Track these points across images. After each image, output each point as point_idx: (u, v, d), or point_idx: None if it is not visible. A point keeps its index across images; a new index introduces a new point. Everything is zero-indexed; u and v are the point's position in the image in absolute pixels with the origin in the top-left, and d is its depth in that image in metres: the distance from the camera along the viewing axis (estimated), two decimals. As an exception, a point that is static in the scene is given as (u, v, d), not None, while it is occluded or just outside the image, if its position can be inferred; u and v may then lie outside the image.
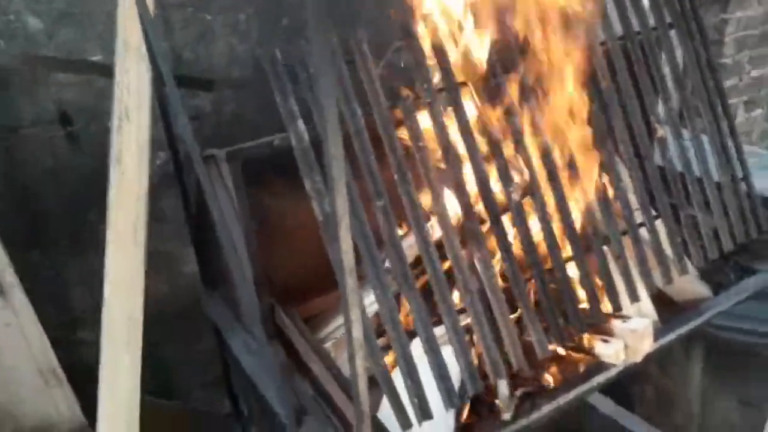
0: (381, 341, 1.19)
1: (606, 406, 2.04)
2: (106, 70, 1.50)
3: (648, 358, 1.29)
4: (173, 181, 1.59)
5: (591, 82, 1.27)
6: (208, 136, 1.76)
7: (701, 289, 1.46)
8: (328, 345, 1.33)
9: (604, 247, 1.25)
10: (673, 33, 1.43)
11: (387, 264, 1.14)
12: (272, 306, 1.32)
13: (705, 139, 1.43)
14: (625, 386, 1.96)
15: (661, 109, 1.40)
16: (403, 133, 1.16)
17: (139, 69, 1.44)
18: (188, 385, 1.90)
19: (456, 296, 1.19)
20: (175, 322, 1.80)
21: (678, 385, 1.83)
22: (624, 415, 2.03)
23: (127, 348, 1.31)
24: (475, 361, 1.16)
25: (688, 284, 1.45)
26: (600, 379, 1.23)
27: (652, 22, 1.40)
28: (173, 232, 1.76)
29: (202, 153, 1.27)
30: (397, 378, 1.09)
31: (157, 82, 1.42)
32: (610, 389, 1.98)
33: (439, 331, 1.15)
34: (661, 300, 1.46)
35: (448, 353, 1.14)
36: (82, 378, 1.45)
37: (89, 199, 1.64)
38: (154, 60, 1.39)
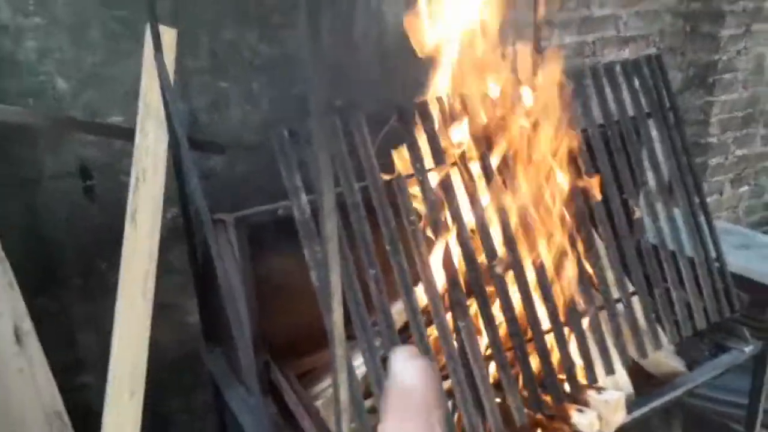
0: (368, 402, 1.26)
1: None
2: (126, 133, 1.61)
3: (623, 429, 1.35)
4: (181, 236, 1.69)
5: (572, 166, 1.38)
6: (218, 195, 1.86)
7: (676, 364, 1.53)
8: (319, 403, 1.39)
9: (582, 321, 1.33)
10: (651, 121, 1.55)
11: (377, 327, 1.22)
12: (268, 363, 1.40)
13: (679, 218, 1.53)
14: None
15: (638, 190, 1.50)
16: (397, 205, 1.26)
17: (157, 132, 1.56)
18: (186, 435, 1.95)
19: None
20: (177, 372, 1.86)
21: (659, 455, 1.87)
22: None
23: (131, 397, 1.38)
24: (457, 427, 1.23)
25: (664, 359, 1.52)
26: (575, 447, 1.29)
27: (630, 111, 1.52)
28: (179, 283, 1.84)
29: (212, 215, 1.37)
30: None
31: (173, 144, 1.53)
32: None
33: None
34: (639, 373, 1.53)
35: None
36: (85, 422, 1.51)
37: (101, 250, 1.73)
38: (171, 123, 1.50)
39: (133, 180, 1.51)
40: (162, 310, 1.80)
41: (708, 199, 2.78)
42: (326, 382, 1.46)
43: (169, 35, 1.54)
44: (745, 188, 2.93)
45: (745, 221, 2.96)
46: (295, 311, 1.45)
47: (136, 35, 1.58)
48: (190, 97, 1.82)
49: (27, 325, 1.31)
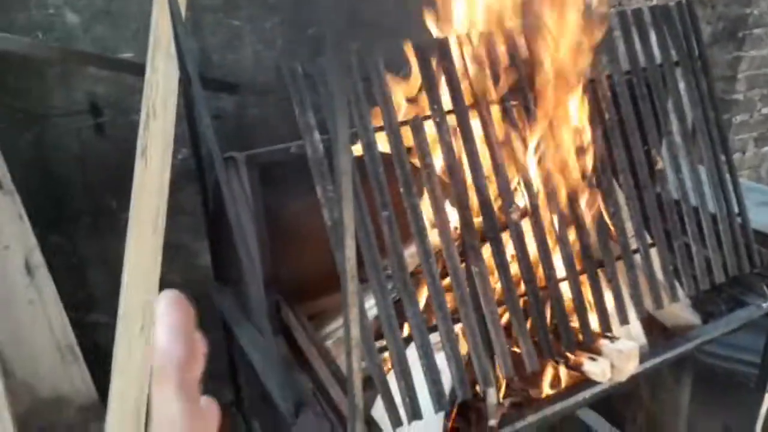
0: (379, 343, 1.25)
1: (598, 424, 2.10)
2: (137, 68, 1.58)
3: (636, 380, 1.34)
4: (193, 177, 1.67)
5: (596, 113, 1.34)
6: (229, 137, 1.84)
7: (691, 318, 1.51)
8: (329, 343, 1.39)
9: (598, 270, 1.31)
10: (678, 70, 1.49)
11: (389, 271, 1.21)
12: (279, 303, 1.39)
13: (703, 172, 1.48)
14: (618, 409, 2.01)
15: (662, 141, 1.45)
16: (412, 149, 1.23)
17: (168, 68, 1.52)
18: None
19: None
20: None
21: (667, 410, 1.88)
22: (614, 435, 2.08)
23: (141, 331, 1.38)
24: (466, 367, 1.22)
25: (679, 312, 1.50)
26: (585, 395, 1.28)
27: (659, 58, 1.46)
28: (189, 225, 1.84)
29: (223, 154, 1.34)
30: (392, 379, 1.16)
31: (184, 81, 1.50)
32: (604, 410, 2.04)
33: (434, 337, 1.22)
34: (652, 325, 1.51)
35: (441, 359, 1.20)
36: (96, 357, 1.52)
37: (112, 187, 1.72)
38: (183, 60, 1.47)
39: (143, 116, 1.48)
40: (172, 251, 1.80)
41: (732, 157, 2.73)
42: (337, 323, 1.46)
43: (181, -32, 1.49)
44: (768, 148, 2.86)
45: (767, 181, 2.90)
46: (307, 253, 1.44)
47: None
48: (202, 35, 1.77)
49: (37, 258, 1.31)
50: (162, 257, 1.54)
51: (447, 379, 1.20)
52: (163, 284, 1.54)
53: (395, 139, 1.20)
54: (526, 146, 1.29)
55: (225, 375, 1.78)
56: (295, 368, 1.29)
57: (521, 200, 1.31)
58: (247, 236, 1.29)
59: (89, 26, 1.64)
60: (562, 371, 1.35)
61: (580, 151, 1.32)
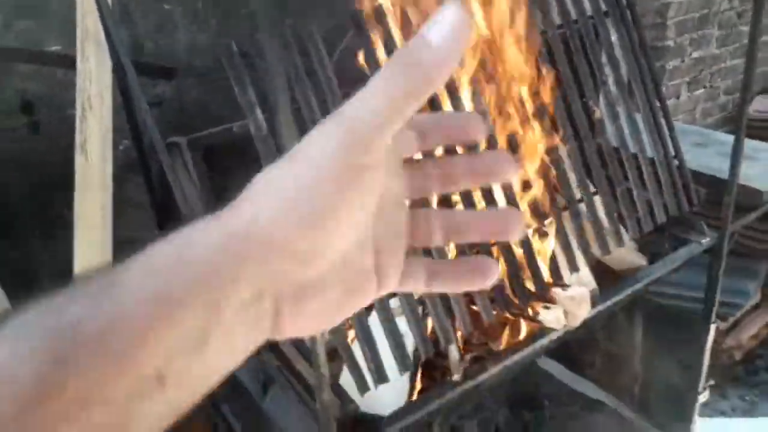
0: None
1: (559, 371, 2.19)
2: (67, 61, 1.53)
3: (590, 324, 1.40)
4: (137, 168, 1.64)
5: (533, 68, 1.36)
6: (171, 123, 1.80)
7: (638, 260, 1.57)
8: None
9: (545, 221, 1.35)
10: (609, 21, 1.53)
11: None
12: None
13: (639, 118, 1.54)
14: (577, 355, 2.10)
15: (599, 92, 1.50)
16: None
17: (99, 58, 1.48)
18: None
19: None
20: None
21: (623, 351, 1.97)
22: (575, 379, 2.17)
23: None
24: (428, 329, 1.25)
25: (626, 255, 1.56)
26: (543, 342, 1.33)
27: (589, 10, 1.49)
28: (140, 217, 1.81)
29: (165, 140, 1.32)
30: (357, 348, 1.18)
31: (118, 70, 1.46)
32: (563, 358, 2.12)
33: (395, 303, 1.24)
34: (602, 270, 1.57)
35: (403, 323, 1.23)
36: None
37: (55, 187, 1.67)
38: (114, 48, 1.43)
39: (78, 109, 1.44)
40: (125, 246, 1.77)
41: (667, 103, 2.82)
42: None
43: (102, -48, 1.44)
44: (701, 91, 2.96)
45: (702, 124, 3.01)
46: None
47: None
48: (132, 21, 1.72)
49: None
50: (113, 254, 1.52)
51: (410, 342, 1.23)
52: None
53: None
54: (469, 103, 1.31)
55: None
56: (261, 348, 1.30)
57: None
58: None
59: (11, 21, 1.58)
60: (522, 323, 1.40)
61: (521, 105, 1.35)
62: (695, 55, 2.80)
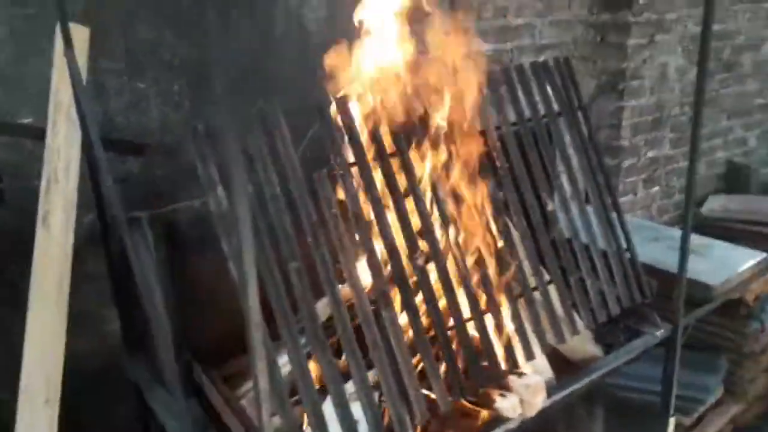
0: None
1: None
2: (37, 133, 1.55)
3: (548, 414, 1.40)
4: (99, 242, 1.63)
5: (488, 162, 1.43)
6: (136, 199, 1.81)
7: (594, 350, 1.59)
8: (244, 401, 1.37)
9: (501, 309, 1.37)
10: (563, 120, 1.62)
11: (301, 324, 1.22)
12: (190, 363, 1.36)
13: (591, 212, 1.60)
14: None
15: (551, 186, 1.56)
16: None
17: (69, 132, 1.51)
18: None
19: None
20: (96, 383, 1.78)
21: (583, 444, 1.94)
22: (535, 474, 2.12)
23: (45, 407, 1.31)
24: (385, 416, 1.23)
25: (582, 345, 1.58)
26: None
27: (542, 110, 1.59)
28: (98, 291, 1.77)
29: (127, 215, 1.33)
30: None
31: (86, 144, 1.49)
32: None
33: (350, 387, 1.23)
34: (559, 360, 1.58)
35: (359, 408, 1.21)
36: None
37: (11, 258, 1.65)
38: (84, 124, 1.46)
39: (44, 181, 1.45)
40: (82, 320, 1.73)
41: (624, 199, 2.94)
42: (251, 382, 1.44)
43: (81, 33, 1.50)
44: (657, 188, 3.09)
45: (659, 221, 3.12)
46: (220, 312, 1.42)
47: (47, 33, 1.53)
48: (106, 98, 1.76)
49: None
50: (68, 326, 1.48)
51: (364, 429, 1.21)
52: (69, 354, 1.48)
53: (299, 190, 1.24)
54: (425, 195, 1.35)
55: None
56: (210, 430, 1.26)
57: (425, 246, 1.36)
58: (153, 296, 1.27)
59: (-15, 92, 1.60)
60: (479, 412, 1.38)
61: (477, 198, 1.40)
62: (650, 154, 2.95)
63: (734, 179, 3.48)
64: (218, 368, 1.43)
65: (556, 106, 1.59)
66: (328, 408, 1.19)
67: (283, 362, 1.31)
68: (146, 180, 1.84)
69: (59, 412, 1.38)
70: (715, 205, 3.19)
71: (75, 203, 1.47)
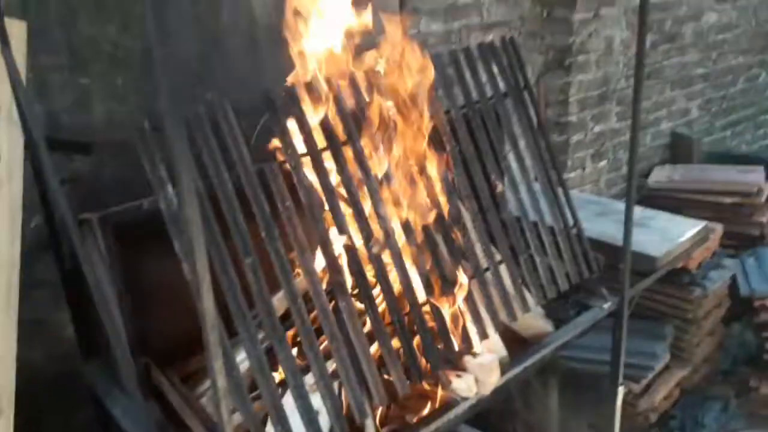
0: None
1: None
2: (-24, 137, 1.50)
3: (504, 391, 1.45)
4: (48, 246, 1.60)
5: (437, 146, 1.45)
6: (86, 199, 1.77)
7: (545, 325, 1.65)
8: (204, 400, 1.38)
9: (454, 291, 1.41)
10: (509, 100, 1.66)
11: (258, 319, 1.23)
12: (148, 365, 1.36)
13: (538, 191, 1.65)
14: (497, 423, 2.12)
15: (501, 167, 1.60)
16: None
17: (11, 134, 1.46)
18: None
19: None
20: (54, 391, 1.76)
21: (539, 417, 2.01)
22: (495, 449, 2.18)
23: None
24: (344, 405, 1.26)
25: (534, 322, 1.63)
26: (457, 411, 1.36)
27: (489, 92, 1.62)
28: (51, 296, 1.74)
29: (76, 217, 1.31)
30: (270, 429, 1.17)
31: (30, 145, 1.45)
32: (483, 427, 2.14)
33: (309, 379, 1.25)
34: (512, 337, 1.63)
35: (319, 399, 1.23)
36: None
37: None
38: (26, 124, 1.42)
39: (-14, 186, 1.41)
40: (35, 327, 1.70)
41: (572, 174, 3.01)
42: (209, 381, 1.44)
43: (18, 28, 1.45)
44: (604, 162, 3.18)
45: (607, 194, 3.21)
46: (176, 312, 1.41)
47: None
48: (49, 96, 1.72)
49: None
50: (21, 335, 1.46)
51: (325, 419, 1.23)
52: (23, 364, 1.46)
53: (251, 185, 1.24)
54: (378, 182, 1.37)
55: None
56: (170, 430, 1.27)
57: (380, 233, 1.38)
58: (107, 299, 1.26)
59: None
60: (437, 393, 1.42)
61: (428, 182, 1.42)
62: (597, 129, 3.03)
63: (678, 149, 3.60)
64: (178, 368, 1.43)
65: (502, 87, 1.61)
66: (288, 401, 1.21)
67: (242, 358, 1.32)
68: (96, 179, 1.80)
69: (15, 422, 1.36)
70: (661, 176, 3.30)
71: (20, 208, 1.44)
